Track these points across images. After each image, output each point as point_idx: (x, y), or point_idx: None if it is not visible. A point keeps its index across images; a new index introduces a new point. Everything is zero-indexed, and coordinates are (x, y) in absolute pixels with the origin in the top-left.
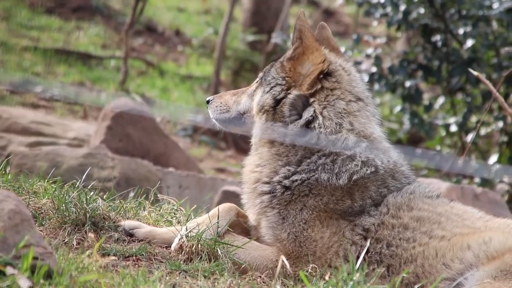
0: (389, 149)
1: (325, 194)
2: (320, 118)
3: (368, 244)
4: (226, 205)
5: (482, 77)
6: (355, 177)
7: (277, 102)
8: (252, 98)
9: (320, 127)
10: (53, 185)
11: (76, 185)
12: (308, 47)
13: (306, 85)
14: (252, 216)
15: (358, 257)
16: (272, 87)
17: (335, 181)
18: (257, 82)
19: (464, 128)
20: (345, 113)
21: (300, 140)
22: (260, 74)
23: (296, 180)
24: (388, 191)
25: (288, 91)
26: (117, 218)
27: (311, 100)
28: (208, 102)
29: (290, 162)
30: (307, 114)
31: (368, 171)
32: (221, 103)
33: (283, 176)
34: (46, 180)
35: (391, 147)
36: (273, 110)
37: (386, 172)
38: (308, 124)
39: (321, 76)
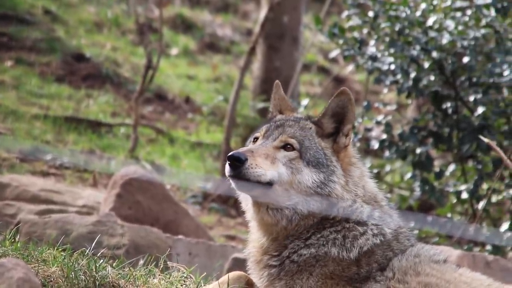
0: (391, 211)
1: (331, 264)
2: (344, 193)
3: None
4: (235, 273)
5: (493, 144)
6: (365, 248)
7: None
8: (291, 170)
9: (342, 202)
10: (62, 253)
11: (86, 253)
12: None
13: (345, 171)
14: (259, 285)
15: None
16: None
17: (346, 255)
18: (283, 147)
19: (475, 195)
20: (358, 178)
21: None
22: (292, 141)
23: (305, 255)
24: (393, 254)
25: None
26: (126, 285)
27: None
28: (233, 159)
29: (300, 237)
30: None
31: (377, 240)
32: (256, 165)
33: (292, 251)
34: (56, 248)
35: (391, 206)
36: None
37: (392, 236)
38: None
39: None
